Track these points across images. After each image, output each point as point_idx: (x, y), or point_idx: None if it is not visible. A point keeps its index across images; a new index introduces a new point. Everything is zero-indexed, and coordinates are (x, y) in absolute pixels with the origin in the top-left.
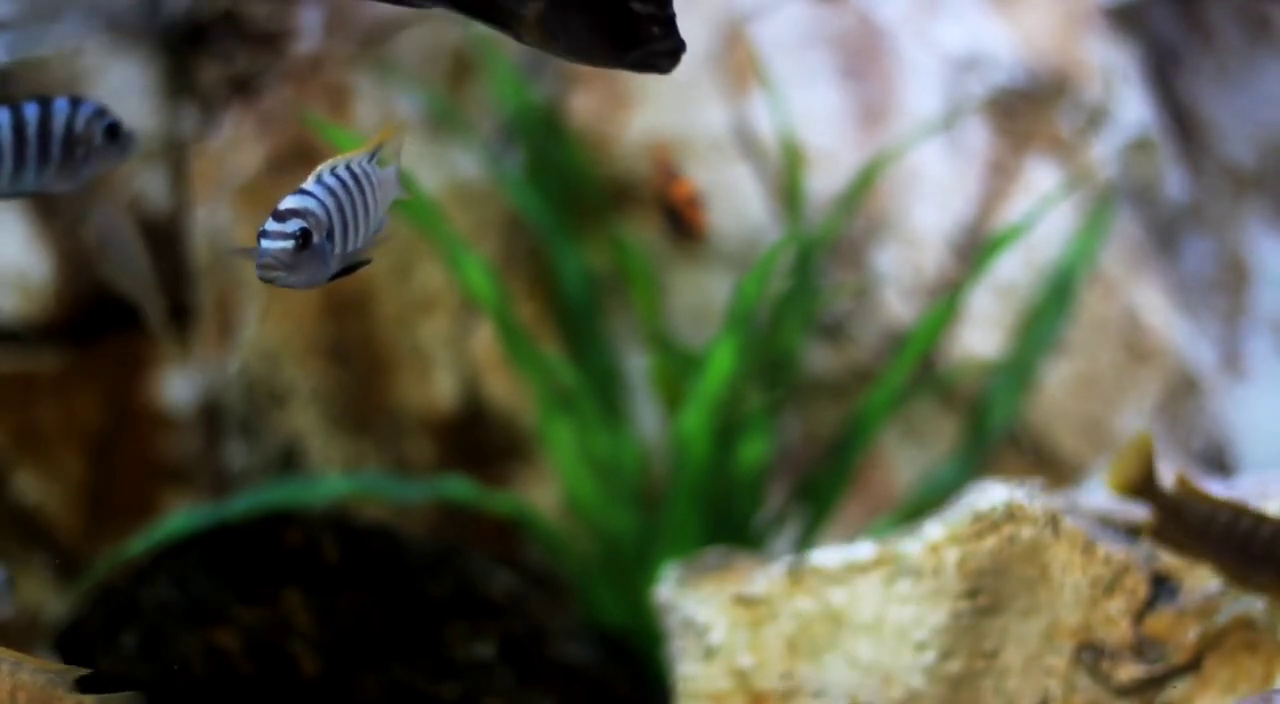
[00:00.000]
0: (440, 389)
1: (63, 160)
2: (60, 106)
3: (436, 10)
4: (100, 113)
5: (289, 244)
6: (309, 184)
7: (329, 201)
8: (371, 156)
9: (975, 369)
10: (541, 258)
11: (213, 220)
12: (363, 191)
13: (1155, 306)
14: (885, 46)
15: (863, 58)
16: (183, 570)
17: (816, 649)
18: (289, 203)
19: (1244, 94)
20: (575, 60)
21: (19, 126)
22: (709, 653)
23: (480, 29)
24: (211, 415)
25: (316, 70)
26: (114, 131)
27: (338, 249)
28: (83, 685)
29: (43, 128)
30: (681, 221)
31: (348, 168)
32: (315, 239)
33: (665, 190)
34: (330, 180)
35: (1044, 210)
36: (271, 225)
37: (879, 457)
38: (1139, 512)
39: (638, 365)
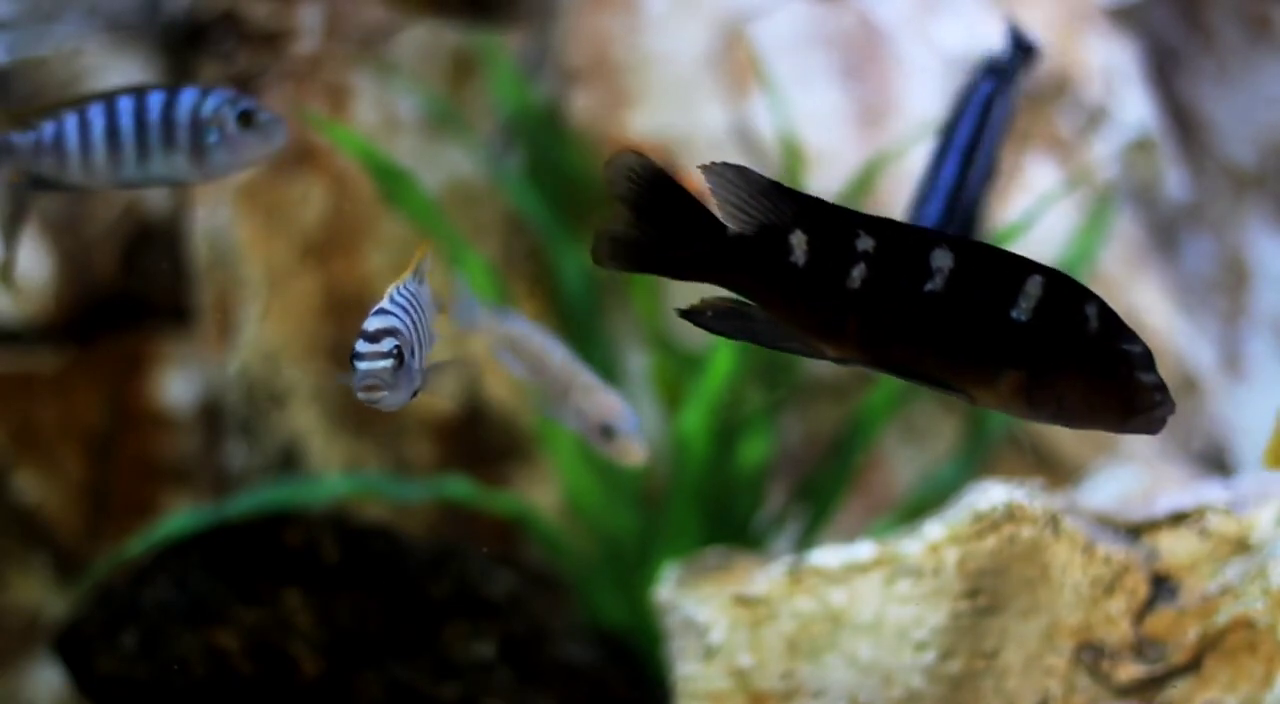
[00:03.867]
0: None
1: (191, 148)
2: (186, 94)
3: (844, 364)
4: (232, 100)
5: (389, 363)
6: (385, 303)
7: (406, 320)
8: (415, 277)
9: None
10: (541, 258)
11: (213, 220)
12: (422, 311)
13: (1155, 306)
14: (885, 46)
15: (863, 58)
16: (183, 570)
17: (816, 649)
18: (375, 323)
19: (1244, 94)
20: (1053, 423)
21: (140, 113)
22: (709, 653)
23: (480, 29)
24: (211, 415)
25: (316, 70)
26: (248, 118)
27: (419, 364)
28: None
29: (166, 115)
30: None
31: (406, 289)
32: (406, 355)
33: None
34: (400, 299)
35: (1043, 209)
36: (365, 346)
37: (879, 457)
38: (1139, 511)
39: (638, 365)
